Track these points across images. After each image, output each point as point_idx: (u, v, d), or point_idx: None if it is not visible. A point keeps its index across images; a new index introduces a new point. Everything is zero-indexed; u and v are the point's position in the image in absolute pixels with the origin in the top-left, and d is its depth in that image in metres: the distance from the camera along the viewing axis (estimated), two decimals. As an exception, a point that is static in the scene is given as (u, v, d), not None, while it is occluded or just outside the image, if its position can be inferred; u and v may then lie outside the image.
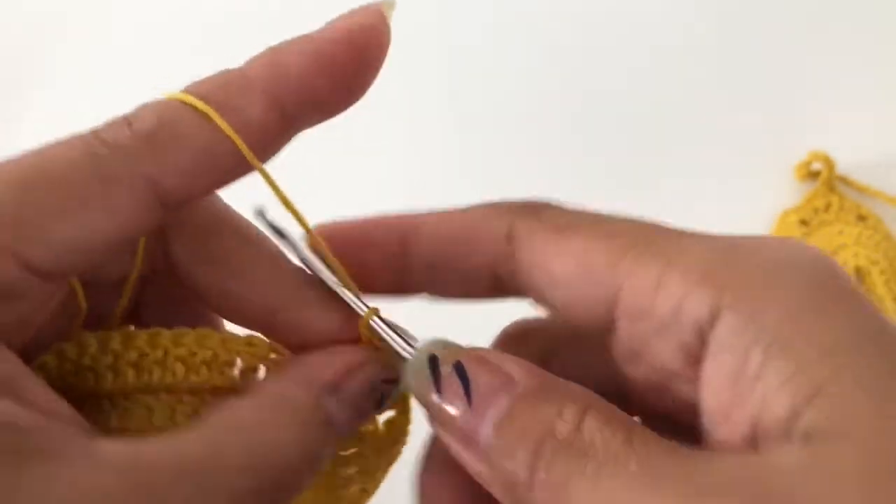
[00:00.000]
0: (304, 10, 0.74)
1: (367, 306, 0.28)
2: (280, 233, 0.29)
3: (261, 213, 0.29)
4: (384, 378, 0.27)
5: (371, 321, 0.27)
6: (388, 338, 0.27)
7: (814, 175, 0.68)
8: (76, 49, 0.74)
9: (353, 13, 0.27)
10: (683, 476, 0.21)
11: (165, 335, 0.27)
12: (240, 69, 0.26)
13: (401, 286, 0.29)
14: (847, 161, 0.68)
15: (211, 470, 0.22)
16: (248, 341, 0.28)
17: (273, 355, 0.28)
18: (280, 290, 0.28)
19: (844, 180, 0.68)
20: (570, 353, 0.29)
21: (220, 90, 0.26)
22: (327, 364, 0.27)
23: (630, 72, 0.72)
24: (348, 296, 0.28)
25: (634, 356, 0.26)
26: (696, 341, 0.23)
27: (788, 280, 0.23)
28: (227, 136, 0.25)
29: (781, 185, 0.69)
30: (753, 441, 0.22)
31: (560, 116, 0.71)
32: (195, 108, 0.25)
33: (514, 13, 0.74)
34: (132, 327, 0.29)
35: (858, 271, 0.64)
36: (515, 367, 0.25)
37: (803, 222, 0.67)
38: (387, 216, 0.29)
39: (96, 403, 0.27)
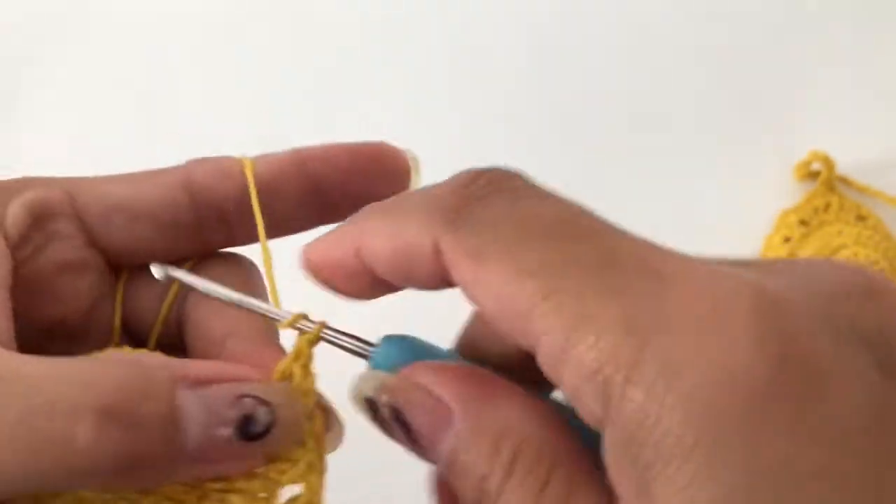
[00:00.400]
0: (304, 11, 0.74)
1: (290, 314, 0.28)
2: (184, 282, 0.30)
3: (161, 270, 0.30)
4: (259, 398, 0.25)
5: (296, 326, 0.27)
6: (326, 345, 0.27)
7: (813, 175, 0.68)
8: (75, 49, 0.74)
9: (380, 144, 0.32)
10: None
11: None
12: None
13: (382, 290, 0.28)
14: (847, 161, 0.68)
15: (49, 388, 0.23)
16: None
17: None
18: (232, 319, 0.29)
19: (844, 180, 0.68)
20: None
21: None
22: (206, 367, 0.26)
23: (630, 71, 0.72)
24: (270, 310, 0.28)
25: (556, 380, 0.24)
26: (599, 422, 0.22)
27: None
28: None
29: (781, 184, 0.69)
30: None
31: (559, 116, 0.71)
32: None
33: (514, 13, 0.74)
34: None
35: (858, 271, 0.64)
36: (450, 397, 0.24)
37: (803, 222, 0.67)
38: (326, 237, 0.28)
39: None
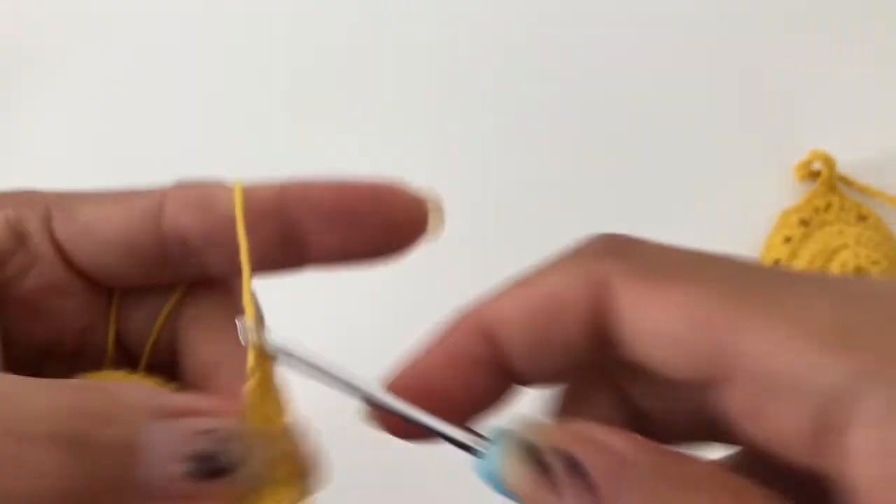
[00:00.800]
0: (302, 12, 0.74)
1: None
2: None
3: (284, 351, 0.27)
4: (226, 435, 0.24)
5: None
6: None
7: (814, 175, 0.68)
8: (75, 49, 0.74)
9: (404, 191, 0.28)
10: None
11: None
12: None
13: (500, 392, 0.26)
14: (847, 161, 0.68)
15: (8, 407, 0.22)
16: None
17: None
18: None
19: (845, 180, 0.68)
20: (649, 399, 0.26)
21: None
22: (184, 398, 0.25)
23: (630, 71, 0.72)
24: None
25: (747, 420, 0.23)
26: (830, 411, 0.21)
27: None
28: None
29: (781, 184, 0.69)
30: None
31: (559, 116, 0.71)
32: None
33: (514, 14, 0.74)
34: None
35: (858, 271, 0.64)
36: (619, 442, 0.22)
37: (803, 222, 0.67)
38: (445, 332, 0.25)
39: None
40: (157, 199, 0.29)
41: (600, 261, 0.24)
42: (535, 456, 0.22)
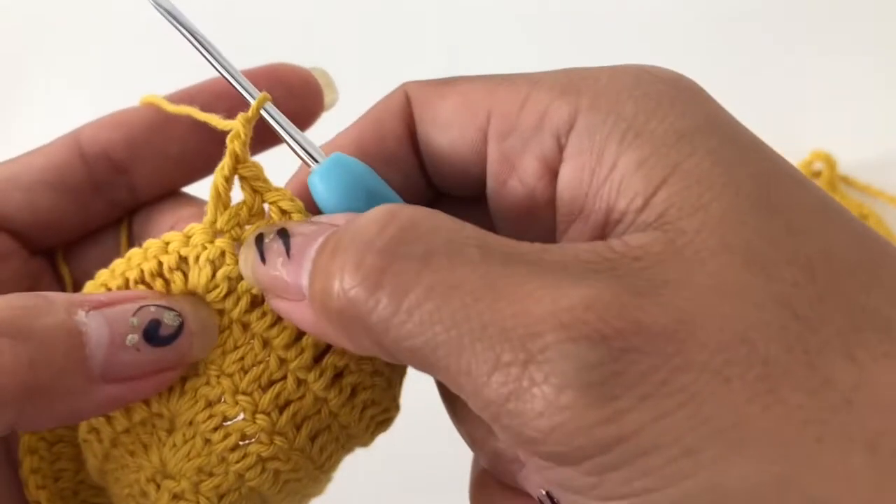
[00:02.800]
0: (301, 12, 0.74)
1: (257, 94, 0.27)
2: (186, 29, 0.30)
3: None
4: (162, 305, 0.25)
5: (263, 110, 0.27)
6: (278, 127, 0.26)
7: (816, 175, 0.68)
8: (73, 49, 0.74)
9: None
10: (529, 255, 0.20)
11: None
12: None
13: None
14: (849, 161, 0.68)
15: None
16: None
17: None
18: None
19: (846, 180, 0.68)
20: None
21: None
22: (108, 293, 0.25)
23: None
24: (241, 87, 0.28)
25: (503, 185, 0.25)
26: (554, 148, 0.24)
27: (644, 83, 0.24)
28: None
29: (783, 184, 0.69)
30: (605, 234, 0.22)
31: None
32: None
33: (514, 14, 0.74)
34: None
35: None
36: (340, 217, 0.24)
37: (805, 222, 0.67)
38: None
39: None
40: (72, 134, 0.30)
41: (406, 85, 0.27)
42: (260, 241, 0.24)
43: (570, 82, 0.25)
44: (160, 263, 0.26)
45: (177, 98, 0.30)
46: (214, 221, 0.26)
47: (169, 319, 0.24)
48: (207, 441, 0.26)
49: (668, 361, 0.18)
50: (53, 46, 0.74)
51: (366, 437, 0.28)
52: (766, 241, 0.20)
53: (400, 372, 0.28)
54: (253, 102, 0.26)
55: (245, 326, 0.26)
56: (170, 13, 0.28)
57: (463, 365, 0.19)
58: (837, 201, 0.23)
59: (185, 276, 0.26)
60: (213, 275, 0.25)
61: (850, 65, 0.72)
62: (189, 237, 0.26)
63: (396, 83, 0.28)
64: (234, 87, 0.27)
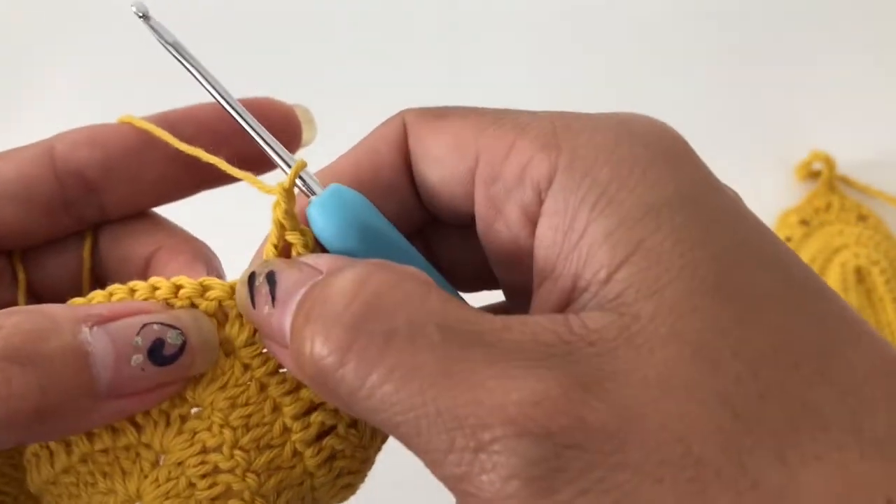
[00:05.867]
0: (299, 12, 0.74)
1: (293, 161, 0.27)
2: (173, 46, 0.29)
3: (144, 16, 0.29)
4: (166, 323, 0.25)
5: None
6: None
7: (814, 175, 0.68)
8: (73, 48, 0.74)
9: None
10: (488, 336, 0.21)
11: None
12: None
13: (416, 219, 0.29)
14: (848, 161, 0.68)
15: None
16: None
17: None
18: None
19: (845, 180, 0.68)
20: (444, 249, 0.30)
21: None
22: (110, 305, 0.26)
23: (630, 71, 0.72)
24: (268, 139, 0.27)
25: (490, 227, 0.26)
26: (535, 201, 0.24)
27: (623, 145, 0.24)
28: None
29: (782, 184, 0.69)
30: (571, 300, 0.23)
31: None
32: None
33: (513, 13, 0.74)
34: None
35: (859, 271, 0.64)
36: (324, 261, 0.24)
37: (804, 222, 0.67)
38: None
39: None
40: (45, 146, 0.30)
41: (405, 114, 0.28)
42: (252, 281, 0.25)
43: (554, 134, 0.25)
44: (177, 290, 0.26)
45: (157, 120, 0.31)
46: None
47: (172, 339, 0.25)
48: (192, 485, 0.26)
49: (607, 459, 0.19)
50: (53, 47, 0.74)
51: (329, 502, 0.29)
52: (715, 331, 0.21)
53: (378, 445, 0.29)
54: (289, 171, 0.26)
55: (262, 387, 0.26)
56: (203, 77, 0.29)
57: (422, 443, 0.21)
58: (810, 274, 0.23)
59: (221, 325, 0.26)
60: (255, 332, 0.26)
61: (850, 65, 0.72)
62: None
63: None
64: (266, 151, 0.27)
